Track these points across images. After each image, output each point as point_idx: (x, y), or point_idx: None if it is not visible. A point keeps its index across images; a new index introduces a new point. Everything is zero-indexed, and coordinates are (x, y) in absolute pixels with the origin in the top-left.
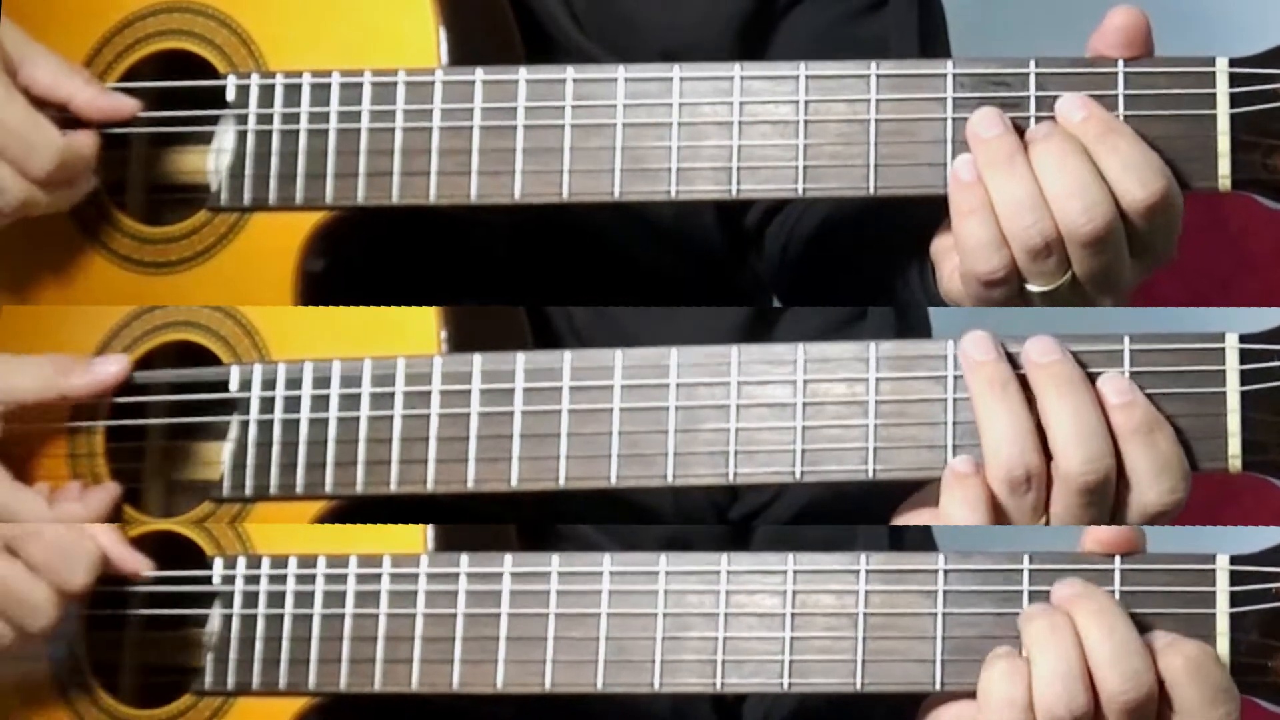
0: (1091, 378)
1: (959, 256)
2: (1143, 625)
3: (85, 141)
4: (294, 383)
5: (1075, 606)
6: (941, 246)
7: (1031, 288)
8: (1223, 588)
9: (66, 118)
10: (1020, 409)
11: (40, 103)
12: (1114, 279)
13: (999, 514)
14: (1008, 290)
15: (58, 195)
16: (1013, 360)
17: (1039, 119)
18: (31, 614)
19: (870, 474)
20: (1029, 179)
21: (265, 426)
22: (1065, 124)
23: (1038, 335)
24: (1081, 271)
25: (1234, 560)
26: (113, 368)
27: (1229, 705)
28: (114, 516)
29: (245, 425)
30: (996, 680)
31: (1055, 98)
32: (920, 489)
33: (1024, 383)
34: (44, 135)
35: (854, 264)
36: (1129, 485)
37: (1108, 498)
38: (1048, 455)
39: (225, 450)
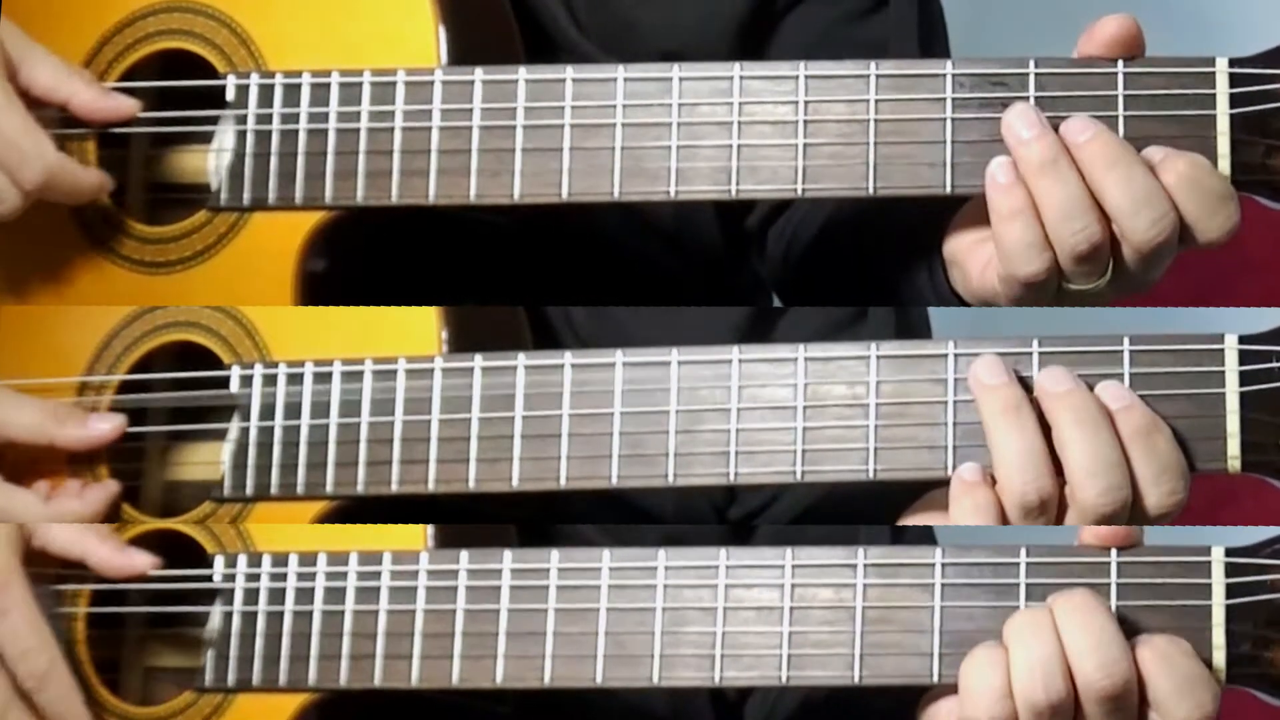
0: (1095, 378)
1: (999, 259)
2: (1139, 618)
3: (79, 167)
4: (295, 383)
5: (1054, 602)
6: (961, 245)
7: (1071, 286)
8: (1218, 580)
9: (67, 117)
10: (1033, 433)
11: (40, 103)
12: (1156, 276)
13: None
14: (1048, 289)
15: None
16: (1020, 373)
17: None
18: None
19: (871, 474)
20: (1075, 181)
21: (266, 427)
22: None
23: (1051, 367)
24: (1135, 273)
25: (1230, 553)
26: (105, 426)
27: (1200, 695)
28: (113, 515)
29: (246, 425)
30: (975, 668)
31: (1054, 98)
32: (922, 492)
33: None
34: (37, 146)
35: (857, 265)
36: (1133, 488)
37: (1123, 522)
38: (1060, 476)
39: (226, 450)
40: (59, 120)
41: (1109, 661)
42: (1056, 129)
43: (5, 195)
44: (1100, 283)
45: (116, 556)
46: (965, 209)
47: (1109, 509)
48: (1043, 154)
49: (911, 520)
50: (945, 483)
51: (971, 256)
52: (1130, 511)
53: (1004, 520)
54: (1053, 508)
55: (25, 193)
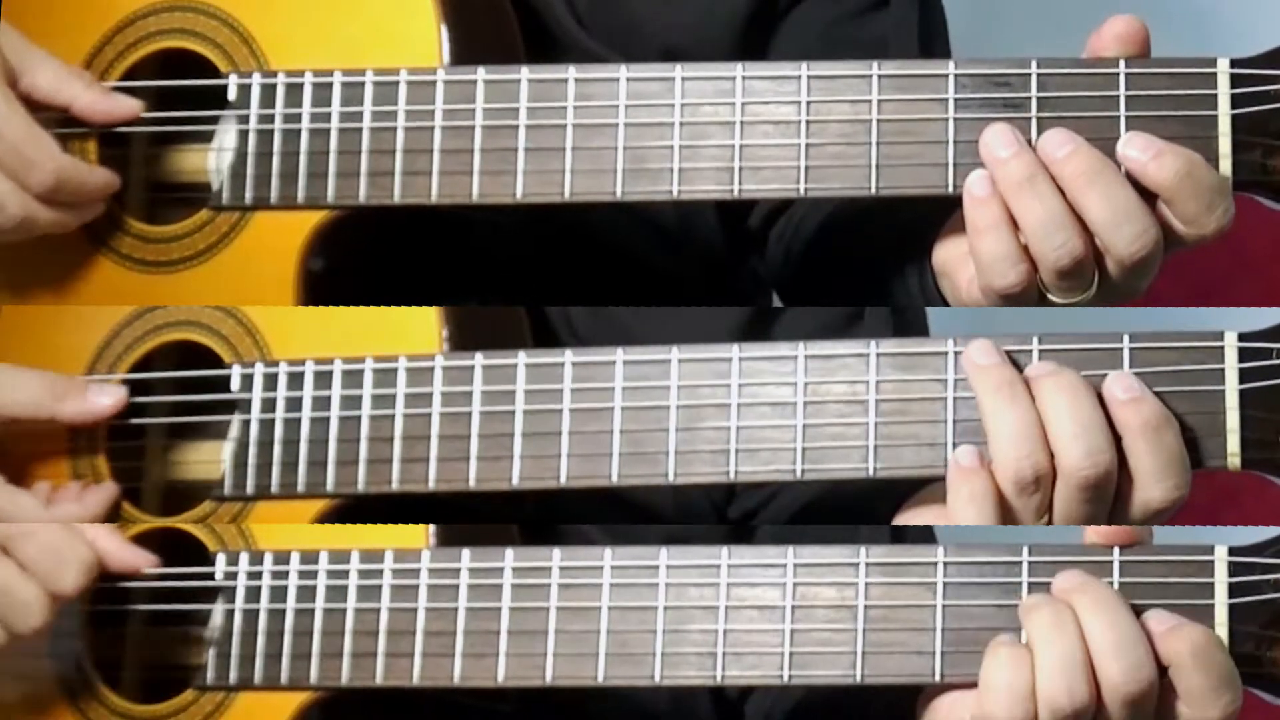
0: (1098, 377)
1: (976, 271)
2: (1142, 614)
3: (86, 168)
4: (295, 382)
5: (1077, 598)
6: (951, 256)
7: (1054, 298)
8: (1221, 579)
9: (68, 118)
10: (1026, 408)
11: (42, 108)
12: (1144, 286)
13: (1006, 512)
14: (1026, 301)
15: (61, 215)
16: (1018, 365)
17: (1041, 120)
18: (22, 614)
19: (871, 471)
20: (1054, 196)
21: (267, 426)
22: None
23: (1040, 362)
24: (1120, 285)
25: (1233, 552)
26: (107, 399)
27: (1233, 692)
28: (112, 516)
29: (246, 424)
30: (999, 668)
31: (1056, 98)
32: (921, 488)
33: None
34: (43, 151)
35: (855, 266)
36: (1132, 482)
37: (1108, 495)
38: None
39: (226, 449)
40: (59, 120)
41: (1135, 664)
42: (1034, 145)
43: (10, 202)
44: (1086, 296)
45: (124, 550)
46: (953, 219)
47: (1092, 473)
48: (1020, 172)
49: (910, 515)
50: (944, 479)
51: (960, 270)
52: (1130, 507)
53: (1002, 506)
54: (1048, 486)
55: (34, 197)
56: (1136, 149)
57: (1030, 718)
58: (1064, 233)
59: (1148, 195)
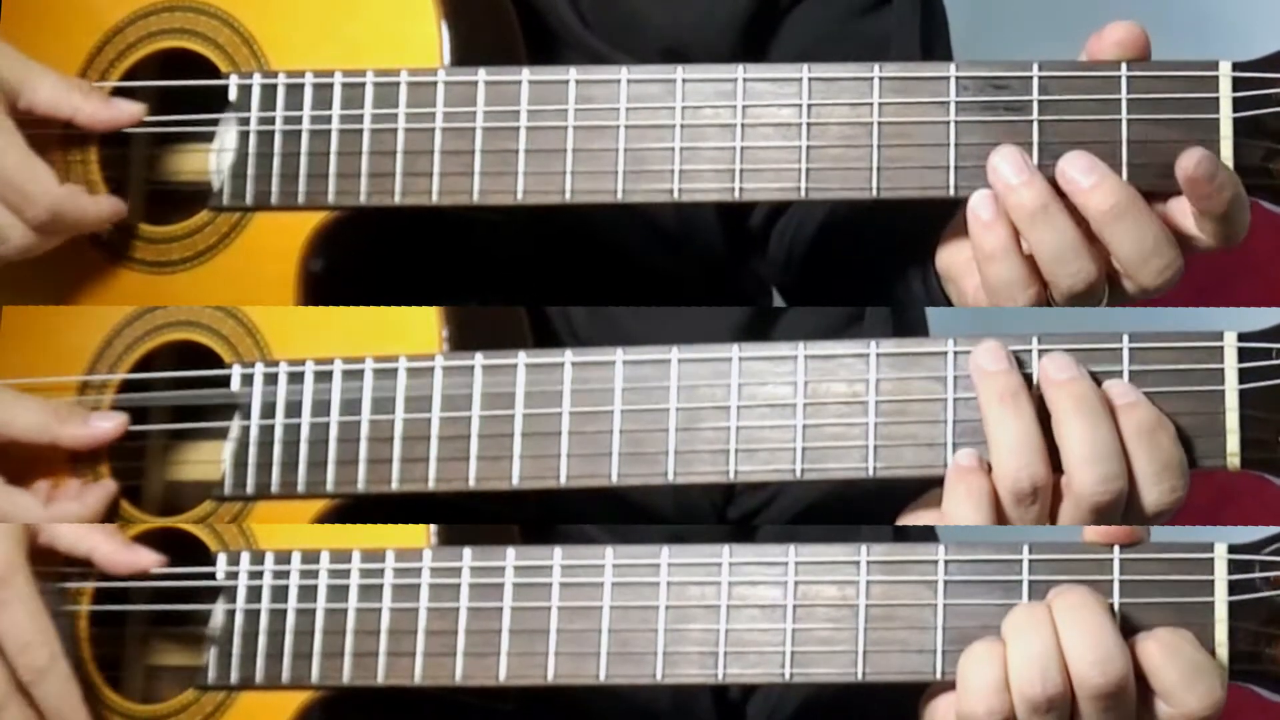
0: (1095, 380)
1: (985, 291)
2: (1141, 615)
3: (86, 199)
4: (296, 382)
5: (1054, 599)
6: (956, 261)
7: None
8: (1221, 576)
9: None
10: (1029, 420)
11: (44, 122)
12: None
13: (1002, 515)
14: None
15: (65, 238)
16: (1020, 364)
17: (1042, 124)
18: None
19: (870, 472)
20: (1067, 225)
21: (267, 425)
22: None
23: (1055, 352)
24: (1135, 298)
25: (1233, 549)
26: (107, 425)
27: (1209, 682)
28: (111, 514)
29: (247, 424)
30: (973, 663)
31: (1057, 101)
32: (922, 489)
33: (1035, 394)
34: (39, 185)
35: (857, 266)
36: (1132, 485)
37: (1118, 515)
38: (1057, 467)
39: (226, 449)
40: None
41: (1105, 659)
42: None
43: (14, 234)
44: (1097, 305)
45: (122, 553)
46: (955, 221)
47: (1105, 499)
48: (1033, 201)
49: (911, 518)
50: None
51: (966, 276)
52: (1129, 509)
53: (998, 508)
54: (1046, 497)
55: (34, 229)
56: (1203, 175)
57: (1007, 709)
58: (1079, 261)
59: (1154, 196)
